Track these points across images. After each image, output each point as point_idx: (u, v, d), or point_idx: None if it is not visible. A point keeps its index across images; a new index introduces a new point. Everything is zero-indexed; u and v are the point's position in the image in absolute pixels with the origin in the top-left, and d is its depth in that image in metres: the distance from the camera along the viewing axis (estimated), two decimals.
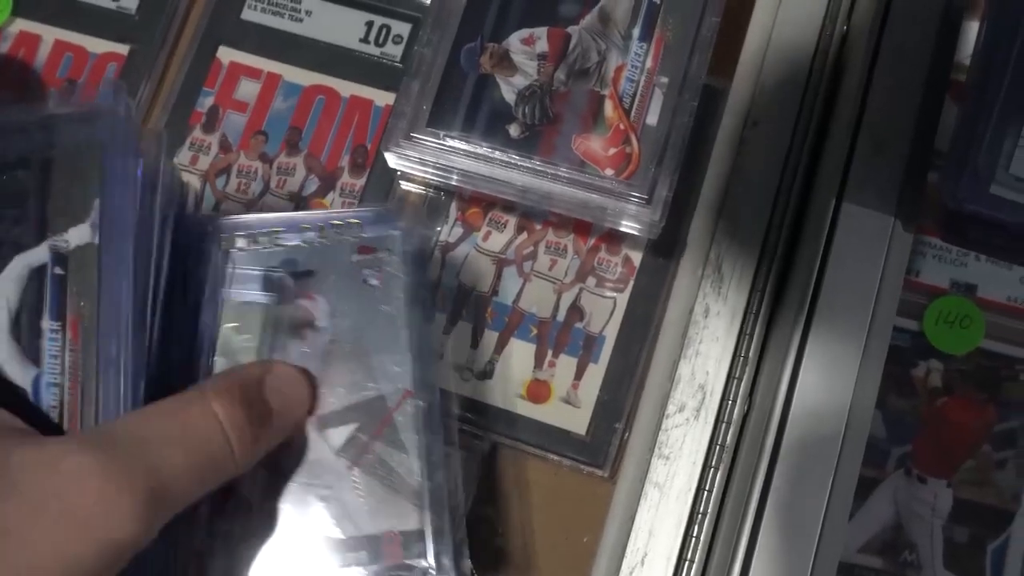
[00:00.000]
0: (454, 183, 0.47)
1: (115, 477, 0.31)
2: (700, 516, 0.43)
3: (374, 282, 0.42)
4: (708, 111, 0.48)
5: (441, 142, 0.45)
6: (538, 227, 0.50)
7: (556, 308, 0.49)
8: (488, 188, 0.46)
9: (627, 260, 0.49)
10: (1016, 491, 0.49)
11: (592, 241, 0.49)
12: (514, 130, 0.46)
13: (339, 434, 0.41)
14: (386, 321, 0.42)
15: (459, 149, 0.45)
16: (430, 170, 0.46)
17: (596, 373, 0.48)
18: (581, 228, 0.49)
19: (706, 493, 0.44)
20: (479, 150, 0.45)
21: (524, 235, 0.50)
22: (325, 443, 0.41)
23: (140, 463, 0.32)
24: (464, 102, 0.46)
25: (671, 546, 0.43)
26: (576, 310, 0.49)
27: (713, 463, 0.44)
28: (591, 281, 0.49)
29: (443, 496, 0.40)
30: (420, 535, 0.40)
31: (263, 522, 0.40)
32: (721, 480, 0.44)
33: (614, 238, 0.49)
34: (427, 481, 0.40)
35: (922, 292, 0.51)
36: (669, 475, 0.44)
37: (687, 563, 0.43)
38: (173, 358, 0.41)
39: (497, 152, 0.45)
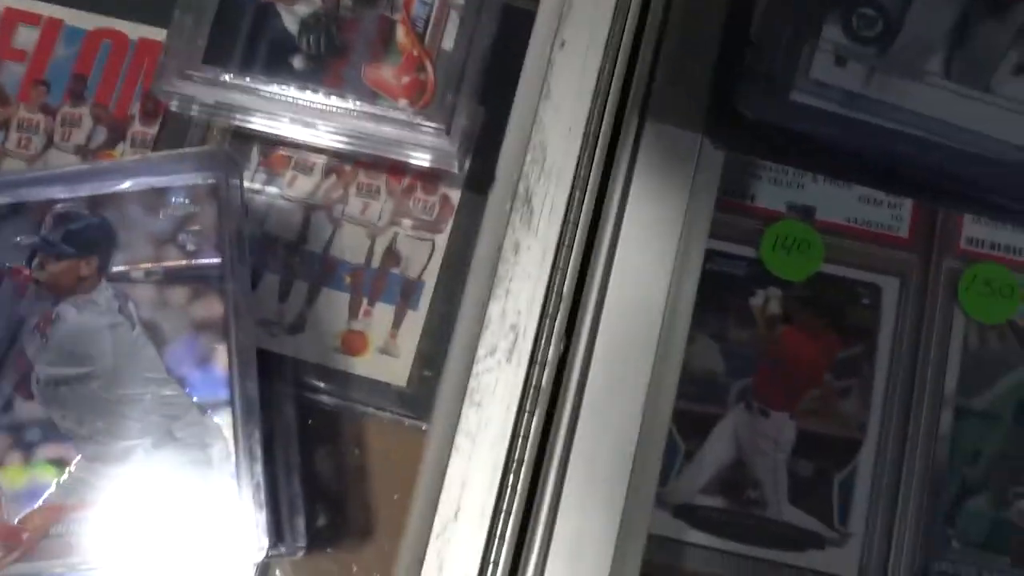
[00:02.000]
0: (235, 123, 0.43)
1: None
2: (516, 464, 0.41)
3: None
4: (513, 33, 0.45)
5: (217, 79, 0.42)
6: (348, 169, 0.46)
7: (370, 254, 0.46)
8: (272, 128, 0.43)
9: (445, 200, 0.46)
10: (861, 420, 0.47)
11: (406, 181, 0.46)
12: (298, 62, 0.42)
13: None
14: None
15: (237, 86, 0.42)
16: (210, 110, 0.43)
17: (416, 320, 0.45)
18: (395, 168, 0.46)
19: (521, 440, 0.41)
20: (259, 86, 0.42)
21: (333, 178, 0.46)
22: None
23: None
24: (242, 35, 0.43)
25: (485, 498, 0.40)
26: (392, 255, 0.46)
27: (528, 407, 0.41)
28: (407, 223, 0.46)
29: None
30: None
31: None
32: (538, 425, 0.41)
33: (430, 177, 0.46)
34: None
35: (758, 217, 0.48)
36: (481, 423, 0.41)
37: (503, 515, 0.40)
38: None
39: (277, 86, 0.42)
